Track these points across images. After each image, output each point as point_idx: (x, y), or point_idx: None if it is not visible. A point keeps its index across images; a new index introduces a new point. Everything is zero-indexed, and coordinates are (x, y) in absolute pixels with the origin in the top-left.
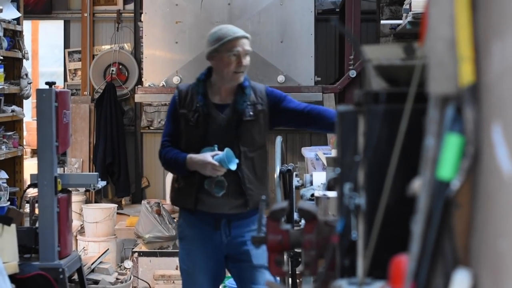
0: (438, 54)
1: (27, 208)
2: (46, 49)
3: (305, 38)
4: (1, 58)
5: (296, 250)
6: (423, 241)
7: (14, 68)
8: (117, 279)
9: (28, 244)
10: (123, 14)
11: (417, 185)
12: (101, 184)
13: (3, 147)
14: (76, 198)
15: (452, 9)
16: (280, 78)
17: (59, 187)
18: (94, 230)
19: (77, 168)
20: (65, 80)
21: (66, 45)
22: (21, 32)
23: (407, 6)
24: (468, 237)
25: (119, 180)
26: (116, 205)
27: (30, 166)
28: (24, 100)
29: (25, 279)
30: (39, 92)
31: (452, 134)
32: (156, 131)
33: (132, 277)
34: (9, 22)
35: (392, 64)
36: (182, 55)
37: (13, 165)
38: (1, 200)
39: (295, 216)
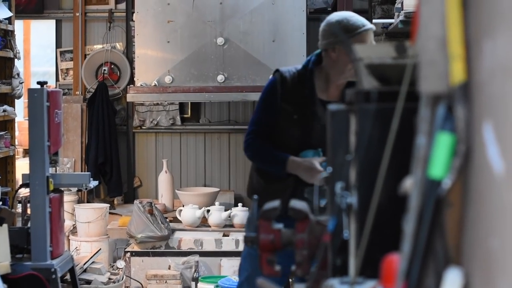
0: (430, 52)
1: (19, 208)
2: (38, 49)
3: (297, 37)
4: None
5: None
6: (415, 240)
7: (5, 68)
8: (109, 279)
9: (20, 244)
10: (115, 14)
11: (409, 184)
12: (93, 184)
13: None
14: (68, 198)
15: (443, 8)
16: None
17: (51, 187)
18: (86, 230)
19: (69, 168)
20: (57, 79)
21: (58, 44)
22: (12, 31)
23: (399, 5)
24: (460, 236)
25: (111, 180)
26: (108, 205)
27: (22, 166)
28: (16, 100)
29: (17, 279)
30: (31, 91)
31: (443, 132)
32: (148, 130)
33: (124, 277)
34: (0, 21)
35: (383, 63)
36: (174, 55)
37: (5, 165)
38: None
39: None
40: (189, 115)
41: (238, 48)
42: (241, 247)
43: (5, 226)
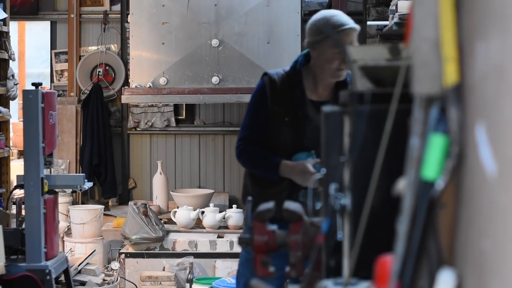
0: (423, 54)
1: (13, 209)
2: (32, 50)
3: (292, 39)
4: None
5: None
6: (408, 241)
7: (0, 69)
8: (104, 280)
9: (14, 245)
10: (109, 15)
11: (402, 185)
12: (88, 185)
13: None
14: (63, 199)
15: (437, 10)
16: None
17: (46, 188)
18: (81, 231)
19: (63, 169)
20: (52, 81)
21: (53, 46)
22: (7, 33)
23: (393, 7)
24: (453, 237)
25: (106, 181)
26: (103, 206)
27: (16, 167)
28: (10, 101)
29: (11, 281)
30: (26, 93)
31: (436, 134)
32: (143, 132)
33: (119, 278)
34: None
35: (377, 65)
36: (169, 56)
37: (0, 166)
38: None
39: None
40: (183, 116)
41: (232, 50)
42: (235, 249)
43: None
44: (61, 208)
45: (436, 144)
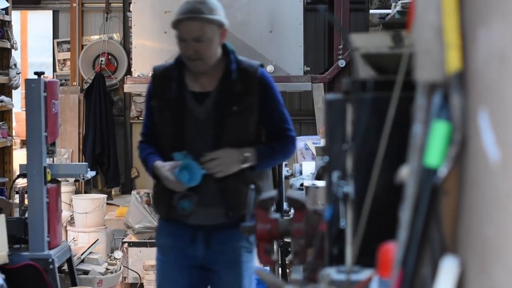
0: (425, 41)
1: (16, 199)
2: (35, 40)
3: (294, 27)
4: None
5: (285, 239)
6: (411, 228)
7: (2, 59)
8: (107, 269)
9: (17, 235)
10: (112, 4)
11: (405, 172)
12: (91, 174)
13: None
14: (66, 188)
15: None
16: (269, 68)
17: (49, 177)
18: (84, 220)
19: (66, 159)
20: (54, 70)
21: (55, 35)
22: (9, 22)
23: None
24: (456, 224)
25: (109, 171)
26: (106, 196)
27: (19, 157)
28: (13, 91)
29: (14, 270)
30: (28, 82)
31: (439, 121)
32: None
33: (122, 267)
34: None
35: (380, 53)
36: (171, 45)
37: (2, 156)
38: None
39: (285, 205)
40: None
41: (235, 39)
42: None
43: (2, 216)
44: (64, 197)
45: (439, 131)
